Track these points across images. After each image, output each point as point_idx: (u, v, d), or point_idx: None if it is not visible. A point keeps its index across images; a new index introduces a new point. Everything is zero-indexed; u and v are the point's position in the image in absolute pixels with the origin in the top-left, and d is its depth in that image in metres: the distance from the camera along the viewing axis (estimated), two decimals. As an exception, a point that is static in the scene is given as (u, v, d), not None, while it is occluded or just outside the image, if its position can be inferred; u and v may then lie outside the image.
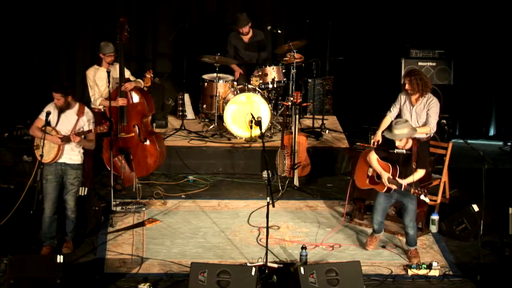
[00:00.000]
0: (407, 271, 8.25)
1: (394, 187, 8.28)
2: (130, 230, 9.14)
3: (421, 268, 8.20)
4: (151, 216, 9.53)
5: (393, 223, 9.23)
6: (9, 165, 10.26)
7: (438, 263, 8.26)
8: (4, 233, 8.70)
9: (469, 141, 10.34)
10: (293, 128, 10.45)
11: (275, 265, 8.21)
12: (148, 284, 7.78)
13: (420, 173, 8.29)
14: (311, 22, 12.02)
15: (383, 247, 8.82)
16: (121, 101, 9.70)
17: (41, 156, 8.20)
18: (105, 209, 9.31)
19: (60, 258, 7.57)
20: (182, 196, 10.18)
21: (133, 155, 9.83)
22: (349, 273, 7.63)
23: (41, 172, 8.28)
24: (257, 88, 11.28)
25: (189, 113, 12.12)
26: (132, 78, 9.95)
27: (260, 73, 11.47)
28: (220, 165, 11.05)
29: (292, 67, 11.31)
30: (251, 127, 11.07)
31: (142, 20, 12.49)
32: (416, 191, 8.17)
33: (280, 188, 10.31)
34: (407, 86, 9.13)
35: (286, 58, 11.43)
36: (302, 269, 7.57)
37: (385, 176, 8.32)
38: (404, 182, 8.23)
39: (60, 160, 8.41)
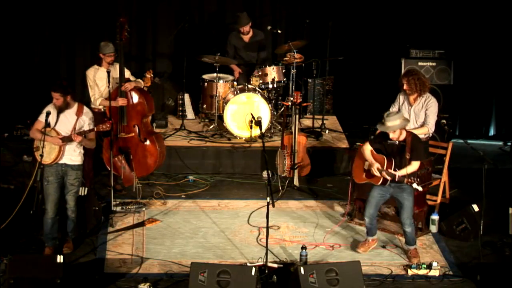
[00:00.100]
0: (407, 271, 8.25)
1: (388, 177, 8.25)
2: (130, 230, 9.14)
3: (421, 268, 8.20)
4: (151, 216, 9.53)
5: (393, 223, 9.23)
6: (9, 165, 10.26)
7: (438, 263, 8.26)
8: (4, 233, 8.70)
9: (469, 141, 10.37)
10: (293, 128, 10.46)
11: (275, 265, 8.21)
12: (148, 284, 7.78)
13: (414, 165, 8.25)
14: (311, 22, 12.03)
15: (383, 247, 8.81)
16: (121, 101, 9.70)
17: (41, 156, 8.20)
18: (105, 209, 9.31)
19: (60, 258, 7.57)
20: (182, 196, 10.18)
21: (133, 155, 9.83)
22: (349, 273, 7.63)
23: (41, 172, 8.28)
24: (257, 88, 11.28)
25: (189, 113, 12.12)
26: (132, 78, 9.95)
27: (260, 73, 11.47)
28: (220, 165, 11.06)
29: (292, 67, 11.32)
30: (251, 127, 11.07)
31: (142, 20, 12.49)
32: (409, 180, 8.15)
33: (280, 188, 10.31)
34: (405, 86, 9.13)
35: (286, 58, 11.44)
36: (302, 269, 7.57)
37: (375, 166, 8.32)
38: (398, 173, 8.19)
39: (61, 161, 8.40)
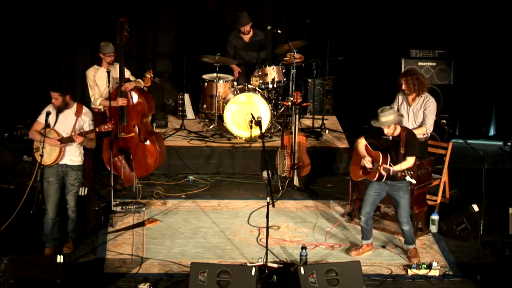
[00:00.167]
0: (407, 271, 8.25)
1: (383, 173, 8.24)
2: (130, 230, 9.14)
3: (421, 268, 8.20)
4: (151, 216, 9.53)
5: (393, 223, 9.22)
6: (9, 165, 10.26)
7: (438, 263, 8.26)
8: (4, 233, 8.70)
9: (469, 141, 10.37)
10: (293, 128, 10.45)
11: (275, 265, 8.21)
12: (148, 284, 7.78)
13: (410, 161, 8.22)
14: (311, 22, 12.03)
15: (383, 247, 8.82)
16: (121, 101, 9.70)
17: (41, 156, 8.19)
18: (105, 209, 9.31)
19: (60, 258, 7.57)
20: (182, 196, 10.18)
21: (133, 155, 9.83)
22: (349, 273, 7.63)
23: (41, 173, 8.27)
24: (257, 88, 11.28)
25: (189, 113, 12.12)
26: (132, 78, 9.95)
27: (260, 73, 11.47)
28: (220, 165, 11.05)
29: (292, 67, 11.31)
30: (251, 127, 11.07)
31: (142, 20, 12.49)
32: (403, 173, 8.14)
33: (280, 188, 10.31)
34: (403, 86, 9.14)
35: (286, 58, 11.43)
36: (302, 269, 7.57)
37: (366, 159, 8.33)
38: (393, 168, 8.18)
39: (61, 162, 8.39)
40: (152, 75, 10.18)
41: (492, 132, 12.68)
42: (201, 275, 7.56)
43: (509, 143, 12.19)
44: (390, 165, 8.20)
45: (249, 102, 11.15)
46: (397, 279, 8.13)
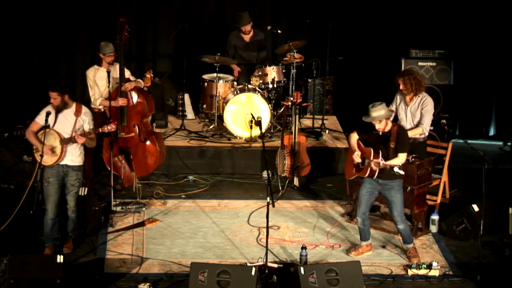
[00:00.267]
0: (407, 271, 8.25)
1: (374, 167, 8.23)
2: (130, 230, 9.14)
3: (421, 268, 8.20)
4: (151, 216, 9.53)
5: (393, 223, 9.20)
6: (9, 165, 10.25)
7: (438, 263, 8.26)
8: (4, 233, 8.70)
9: (469, 141, 10.35)
10: (293, 128, 10.46)
11: (275, 265, 8.21)
12: (148, 284, 7.78)
13: (401, 157, 8.21)
14: (311, 22, 12.03)
15: (383, 247, 8.82)
16: (121, 101, 9.70)
17: (41, 156, 8.19)
18: (105, 209, 9.31)
19: (60, 258, 7.57)
20: (182, 196, 10.18)
21: (133, 155, 9.83)
22: (349, 273, 7.63)
23: (41, 173, 8.27)
24: (257, 88, 11.28)
25: (189, 113, 12.12)
26: (132, 78, 9.95)
27: (260, 73, 11.47)
28: (220, 165, 11.05)
29: (292, 67, 11.32)
30: (251, 127, 11.07)
31: (142, 20, 12.49)
32: (391, 164, 8.13)
33: (280, 188, 10.31)
34: (401, 86, 9.15)
35: (286, 58, 11.44)
36: (302, 269, 7.57)
37: (355, 153, 8.34)
38: (383, 162, 8.15)
39: (62, 162, 8.38)
40: (152, 75, 10.18)
41: (492, 132, 12.69)
42: (201, 275, 7.56)
43: (509, 143, 12.20)
44: (381, 159, 8.20)
45: (249, 102, 11.16)
46: (397, 279, 8.13)
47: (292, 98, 10.56)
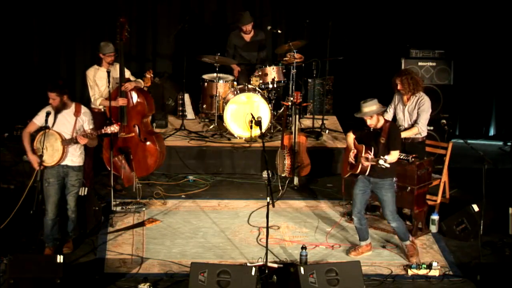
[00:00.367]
0: (407, 271, 8.24)
1: (364, 163, 8.24)
2: (130, 230, 9.14)
3: (421, 268, 8.20)
4: (151, 216, 9.53)
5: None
6: (9, 165, 10.25)
7: (438, 263, 8.26)
8: (4, 233, 8.70)
9: (469, 141, 10.35)
10: (293, 128, 10.46)
11: (275, 265, 8.21)
12: (148, 284, 7.78)
13: (393, 155, 8.20)
14: (311, 22, 12.03)
15: (383, 247, 8.82)
16: (121, 101, 9.70)
17: (41, 156, 8.18)
18: (105, 209, 9.31)
19: (60, 258, 7.57)
20: (182, 196, 10.18)
21: (133, 155, 9.83)
22: (349, 273, 7.63)
23: (41, 173, 8.27)
24: (257, 88, 11.28)
25: (189, 113, 12.12)
26: (132, 78, 9.95)
27: (260, 73, 11.47)
28: (220, 165, 11.06)
29: (292, 67, 11.32)
30: (251, 127, 11.08)
31: (142, 20, 12.49)
32: (376, 158, 8.13)
33: (280, 188, 10.31)
34: (399, 86, 9.16)
35: (286, 58, 11.44)
36: (302, 269, 7.57)
37: (352, 152, 8.36)
38: (371, 156, 8.15)
39: (62, 163, 8.38)
40: (152, 75, 10.18)
41: (492, 132, 12.69)
42: (201, 275, 7.56)
43: (509, 143, 12.20)
44: (368, 153, 8.20)
45: (249, 102, 11.16)
46: (397, 279, 8.13)
47: (292, 98, 10.56)
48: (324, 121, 11.79)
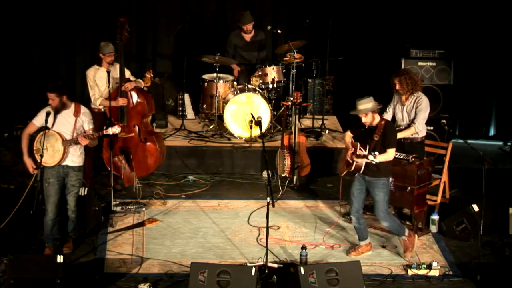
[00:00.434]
0: (407, 271, 8.25)
1: (358, 160, 8.23)
2: (130, 230, 9.14)
3: (421, 268, 8.20)
4: (151, 216, 9.53)
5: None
6: (9, 165, 10.25)
7: (438, 263, 8.26)
8: (4, 233, 8.70)
9: (469, 141, 10.35)
10: (293, 128, 10.46)
11: (275, 265, 8.21)
12: (148, 284, 7.78)
13: (390, 153, 8.21)
14: (311, 22, 12.03)
15: (383, 247, 8.82)
16: (121, 101, 9.70)
17: (41, 156, 8.18)
18: (105, 209, 9.31)
19: (60, 258, 7.57)
20: (182, 196, 10.18)
21: (133, 155, 9.83)
22: (349, 273, 7.63)
23: (41, 173, 8.26)
24: (257, 88, 11.28)
25: (189, 113, 12.12)
26: (132, 78, 9.95)
27: (260, 73, 11.47)
28: (220, 165, 11.05)
29: (292, 67, 11.32)
30: (251, 127, 11.08)
31: (142, 20, 12.49)
32: (365, 153, 8.13)
33: (280, 188, 10.31)
34: (397, 86, 9.17)
35: (286, 58, 11.44)
36: (302, 269, 7.57)
37: (348, 151, 8.37)
38: (363, 152, 8.15)
39: (63, 163, 8.38)
40: (152, 75, 10.19)
41: (492, 132, 12.69)
42: (201, 275, 7.56)
43: (509, 143, 12.20)
44: (360, 149, 8.20)
45: (249, 102, 11.16)
46: (397, 279, 8.13)
47: (292, 98, 10.56)
48: (324, 121, 11.79)
